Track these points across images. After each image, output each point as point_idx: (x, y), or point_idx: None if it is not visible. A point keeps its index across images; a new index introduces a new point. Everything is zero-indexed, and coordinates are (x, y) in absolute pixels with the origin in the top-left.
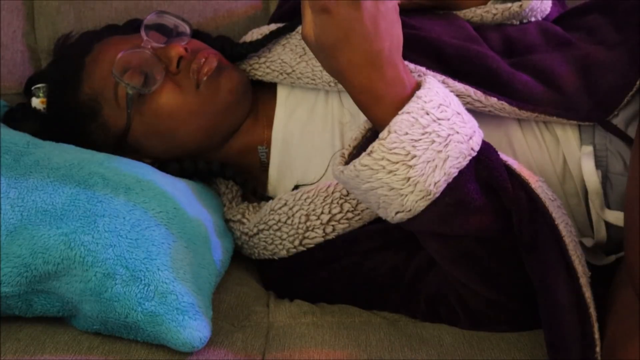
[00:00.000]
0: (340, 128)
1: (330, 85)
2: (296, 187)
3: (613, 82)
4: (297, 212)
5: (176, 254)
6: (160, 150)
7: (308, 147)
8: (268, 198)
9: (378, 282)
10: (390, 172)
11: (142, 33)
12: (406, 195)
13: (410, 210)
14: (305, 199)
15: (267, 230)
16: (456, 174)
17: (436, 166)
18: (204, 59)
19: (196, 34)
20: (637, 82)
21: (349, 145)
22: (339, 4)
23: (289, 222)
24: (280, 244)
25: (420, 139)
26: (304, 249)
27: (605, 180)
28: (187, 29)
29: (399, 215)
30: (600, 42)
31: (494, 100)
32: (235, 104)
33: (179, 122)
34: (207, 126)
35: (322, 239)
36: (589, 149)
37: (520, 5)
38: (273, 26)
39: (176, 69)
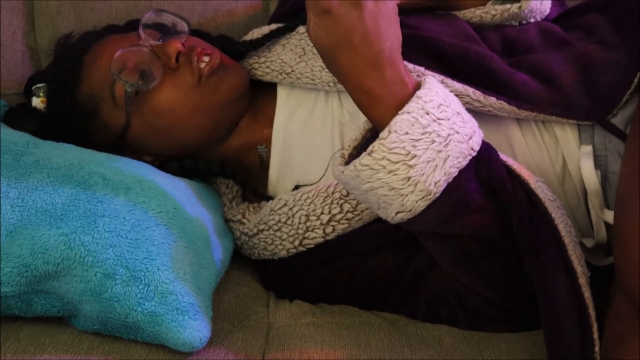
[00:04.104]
0: (340, 128)
1: (329, 86)
2: (297, 187)
3: (612, 81)
4: (297, 212)
5: (176, 254)
6: (160, 148)
7: (308, 147)
8: (268, 198)
9: (378, 282)
10: (391, 172)
11: (140, 31)
12: (406, 195)
13: (410, 210)
14: (305, 199)
15: (267, 230)
16: (456, 173)
17: (436, 166)
18: (201, 52)
19: (195, 33)
20: (635, 81)
21: (349, 146)
22: (340, 4)
23: (289, 222)
24: (280, 244)
25: (420, 139)
26: (304, 249)
27: (604, 180)
28: (186, 27)
29: (399, 215)
30: (599, 41)
31: (492, 99)
32: (235, 100)
33: (178, 119)
34: (207, 122)
35: (322, 239)
36: (588, 148)
37: (520, 7)
38: (273, 26)
39: (175, 64)
